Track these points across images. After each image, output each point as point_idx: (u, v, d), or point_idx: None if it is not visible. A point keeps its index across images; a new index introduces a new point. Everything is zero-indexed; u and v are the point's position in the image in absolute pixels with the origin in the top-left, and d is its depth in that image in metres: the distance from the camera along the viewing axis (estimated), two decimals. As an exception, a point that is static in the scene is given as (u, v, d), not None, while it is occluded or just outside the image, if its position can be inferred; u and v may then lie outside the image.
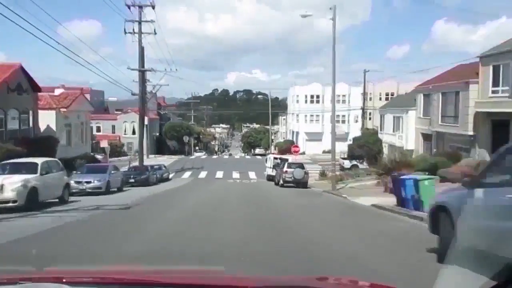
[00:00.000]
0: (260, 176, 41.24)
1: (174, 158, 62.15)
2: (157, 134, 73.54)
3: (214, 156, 72.26)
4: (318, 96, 68.81)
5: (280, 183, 30.65)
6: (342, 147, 70.85)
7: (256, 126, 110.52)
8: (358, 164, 44.12)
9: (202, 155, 75.56)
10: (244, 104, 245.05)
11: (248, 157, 70.82)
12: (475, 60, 28.12)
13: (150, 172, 34.01)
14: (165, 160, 58.15)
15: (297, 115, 70.42)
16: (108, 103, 75.29)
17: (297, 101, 70.15)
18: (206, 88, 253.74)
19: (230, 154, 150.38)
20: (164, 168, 39.98)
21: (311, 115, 68.96)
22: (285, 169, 30.32)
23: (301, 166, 31.10)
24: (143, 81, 39.08)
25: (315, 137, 67.67)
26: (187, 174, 43.89)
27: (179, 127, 69.37)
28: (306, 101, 69.01)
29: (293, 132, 74.37)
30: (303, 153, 63.48)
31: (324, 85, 69.31)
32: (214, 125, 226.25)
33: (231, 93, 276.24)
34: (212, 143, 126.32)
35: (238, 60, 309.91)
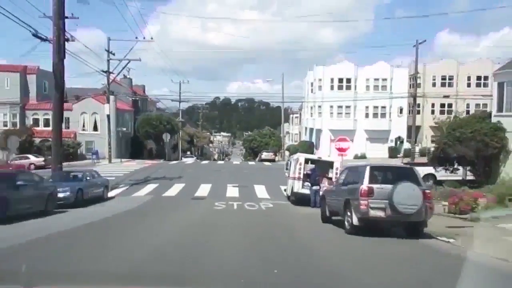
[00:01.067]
0: (275, 194, 22.16)
1: (149, 163, 42.65)
2: (132, 131, 54.00)
3: (204, 162, 52.27)
4: (349, 81, 49.26)
5: (352, 222, 10.91)
6: (380, 150, 51.79)
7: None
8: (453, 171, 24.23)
9: (190, 160, 56.39)
10: (246, 113, 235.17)
11: (252, 163, 50.89)
12: None
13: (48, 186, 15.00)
14: (134, 165, 38.90)
15: (319, 106, 50.74)
16: (69, 90, 55.63)
17: (320, 88, 50.51)
18: (208, 97, 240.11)
19: (229, 159, 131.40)
20: (96, 177, 20.67)
21: (339, 107, 49.33)
22: (365, 184, 10.60)
23: (407, 174, 11.28)
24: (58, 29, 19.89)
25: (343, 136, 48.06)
26: (148, 188, 24.46)
27: (157, 121, 49.63)
28: (332, 87, 49.42)
29: (311, 130, 54.70)
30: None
31: (358, 65, 49.89)
32: (215, 133, 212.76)
33: (233, 101, 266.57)
34: (207, 146, 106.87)
35: (241, 70, 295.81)
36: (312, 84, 53.49)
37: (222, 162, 51.90)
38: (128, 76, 54.47)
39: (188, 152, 79.48)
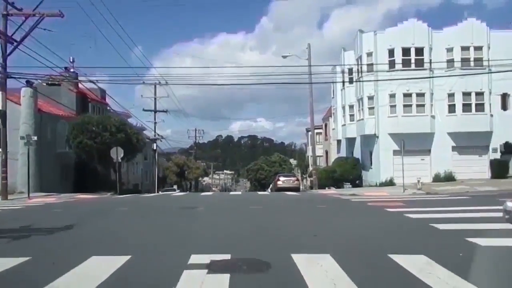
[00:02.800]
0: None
1: (80, 198, 22.01)
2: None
3: (177, 193, 30.44)
4: (420, 52, 28.77)
5: None
6: (476, 166, 26.73)
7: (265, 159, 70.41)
8: None
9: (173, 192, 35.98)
10: (248, 150, 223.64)
11: (264, 192, 29.47)
12: None
13: None
14: (48, 201, 18.45)
15: (369, 97, 30.25)
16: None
17: (370, 68, 29.89)
18: (210, 136, 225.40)
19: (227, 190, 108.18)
20: None
21: (406, 95, 28.74)
22: None
23: None
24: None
25: (414, 144, 27.40)
26: None
27: (100, 126, 28.10)
28: (392, 65, 28.78)
29: (352, 142, 34.06)
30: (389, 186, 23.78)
31: (433, 27, 29.80)
32: (217, 171, 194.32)
33: (235, 139, 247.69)
34: (205, 181, 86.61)
35: (243, 109, 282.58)
36: (351, 70, 33.28)
37: (210, 193, 30.50)
38: (72, 69, 34.61)
39: (175, 186, 58.71)
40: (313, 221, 10.56)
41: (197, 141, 70.64)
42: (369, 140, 30.71)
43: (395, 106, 28.84)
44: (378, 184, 28.72)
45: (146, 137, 43.32)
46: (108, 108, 41.10)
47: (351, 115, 34.22)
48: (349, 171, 31.13)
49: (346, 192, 23.55)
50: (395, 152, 28.51)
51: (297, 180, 31.51)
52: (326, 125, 46.20)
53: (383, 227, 9.19)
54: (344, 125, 35.34)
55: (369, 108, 30.08)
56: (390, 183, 27.72)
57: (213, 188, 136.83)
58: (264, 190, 72.68)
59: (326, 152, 45.47)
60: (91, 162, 30.02)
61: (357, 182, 31.82)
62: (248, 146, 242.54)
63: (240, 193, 24.55)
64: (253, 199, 18.88)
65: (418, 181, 23.04)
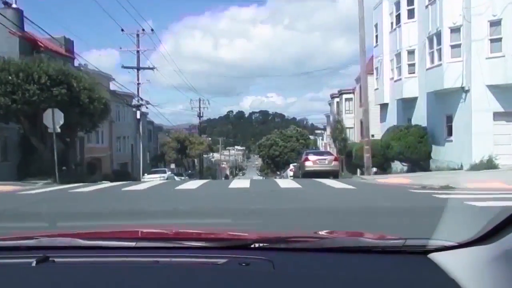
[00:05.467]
0: None
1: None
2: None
3: (139, 186, 14.21)
4: None
5: None
6: None
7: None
8: None
9: (152, 179, 25.30)
10: (260, 126, 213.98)
11: (287, 183, 17.38)
12: None
13: None
14: None
15: (459, 26, 18.32)
16: None
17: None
18: (221, 112, 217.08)
19: (243, 174, 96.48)
20: None
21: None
22: None
23: None
24: None
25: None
26: None
27: (18, 74, 16.27)
28: None
29: (412, 103, 22.40)
30: None
31: None
32: (228, 147, 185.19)
33: (246, 114, 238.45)
34: (211, 157, 75.42)
35: (254, 84, 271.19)
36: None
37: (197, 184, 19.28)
38: (14, 5, 23.37)
39: (172, 165, 47.93)
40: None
41: (201, 113, 59.23)
42: (447, 98, 19.07)
43: (500, 40, 17.11)
44: (461, 166, 17.42)
45: (126, 102, 32.30)
46: (79, 65, 29.80)
47: (411, 65, 22.61)
48: (413, 147, 19.74)
49: (431, 183, 12.42)
50: (497, 116, 17.05)
51: (335, 159, 20.05)
52: (360, 88, 34.35)
53: None
54: (399, 80, 23.71)
55: (453, 47, 18.31)
56: (488, 164, 16.32)
57: (223, 164, 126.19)
58: (280, 172, 61.34)
59: (361, 122, 33.79)
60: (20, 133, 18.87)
61: (420, 163, 20.47)
62: (259, 122, 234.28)
63: (247, 185, 13.17)
64: (277, 208, 7.82)
65: None
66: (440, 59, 18.79)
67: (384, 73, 26.53)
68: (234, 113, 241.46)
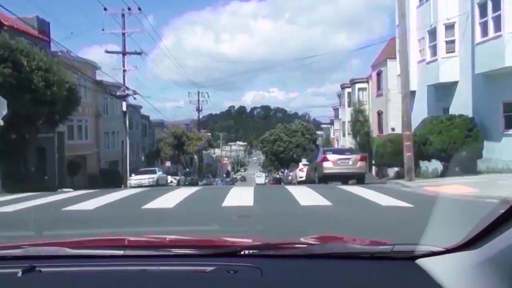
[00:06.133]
0: None
1: None
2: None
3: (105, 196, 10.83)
4: None
5: None
6: None
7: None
8: None
9: (139, 180, 21.22)
10: (262, 121, 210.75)
11: (300, 188, 12.81)
12: None
13: None
14: None
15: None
16: None
17: None
18: (223, 107, 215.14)
19: (245, 170, 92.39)
20: None
21: None
22: None
23: None
24: None
25: None
26: None
27: None
28: None
29: (443, 91, 17.97)
30: None
31: None
32: (230, 143, 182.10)
33: (248, 110, 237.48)
34: (208, 152, 70.82)
35: (256, 79, 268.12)
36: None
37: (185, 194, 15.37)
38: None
39: (168, 163, 43.76)
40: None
41: (200, 107, 54.95)
42: (506, 80, 14.72)
43: None
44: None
45: (111, 92, 28.08)
46: (61, 52, 25.42)
47: (450, 42, 18.26)
48: (460, 142, 15.44)
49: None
50: None
51: (362, 159, 15.66)
52: (379, 74, 29.94)
53: None
54: (433, 61, 19.37)
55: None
56: None
57: (224, 161, 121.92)
58: (284, 171, 56.82)
59: (378, 114, 29.45)
60: None
61: (464, 162, 16.12)
62: (261, 117, 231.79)
63: (249, 199, 8.78)
64: None
65: None
66: (498, 29, 14.40)
67: (411, 55, 22.16)
68: (236, 108, 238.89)
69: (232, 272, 1.20)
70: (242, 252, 1.41)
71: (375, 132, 32.42)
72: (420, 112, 21.72)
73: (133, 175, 26.01)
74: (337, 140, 48.61)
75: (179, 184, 31.60)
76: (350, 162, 15.02)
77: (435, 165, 18.77)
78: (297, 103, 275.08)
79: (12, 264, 1.30)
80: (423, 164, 20.82)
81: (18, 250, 1.49)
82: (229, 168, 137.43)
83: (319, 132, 58.02)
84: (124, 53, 27.10)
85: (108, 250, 1.51)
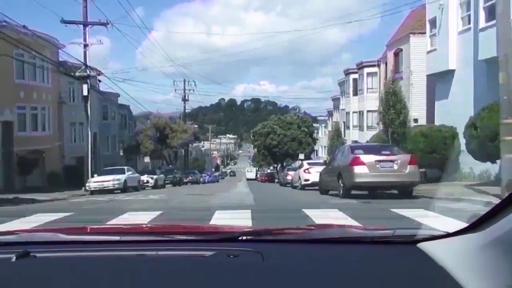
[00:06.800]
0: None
1: None
2: None
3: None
4: None
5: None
6: None
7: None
8: None
9: (100, 184, 15.98)
10: (252, 114, 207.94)
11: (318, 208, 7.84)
12: None
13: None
14: None
15: None
16: None
17: None
18: (213, 99, 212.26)
19: (234, 163, 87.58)
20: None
21: None
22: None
23: None
24: None
25: None
26: None
27: None
28: None
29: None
30: None
31: None
32: (220, 135, 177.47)
33: (238, 102, 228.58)
34: (197, 145, 65.15)
35: (246, 72, 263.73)
36: None
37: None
38: None
39: (146, 159, 38.35)
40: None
41: (186, 97, 49.36)
42: None
43: None
44: None
45: (69, 72, 22.66)
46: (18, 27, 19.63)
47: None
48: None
49: None
50: None
51: (412, 162, 10.21)
52: (397, 54, 24.56)
53: None
54: (487, 27, 14.20)
55: None
56: None
57: (213, 154, 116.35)
58: (277, 164, 51.59)
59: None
60: None
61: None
62: (252, 110, 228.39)
63: (247, 216, 3.51)
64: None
65: None
66: None
67: (450, 24, 17.05)
68: (226, 101, 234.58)
69: (232, 256, 1.17)
70: (242, 238, 1.38)
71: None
72: (461, 98, 16.67)
73: (95, 176, 20.53)
74: (337, 135, 43.52)
75: (156, 185, 26.22)
76: (395, 166, 9.79)
77: (485, 165, 13.82)
78: (287, 96, 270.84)
79: (5, 250, 1.26)
80: (466, 165, 15.92)
81: (11, 236, 1.47)
82: (219, 161, 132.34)
83: (315, 125, 52.86)
84: (85, 24, 21.50)
85: (104, 236, 1.48)
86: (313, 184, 16.48)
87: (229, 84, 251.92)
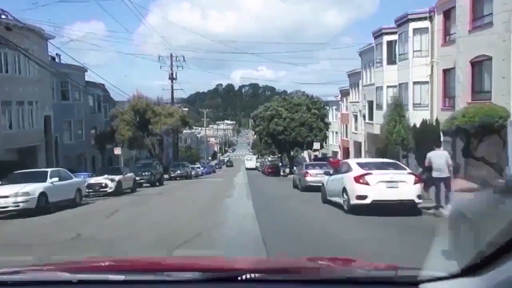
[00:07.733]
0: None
1: None
2: None
3: None
4: None
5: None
6: None
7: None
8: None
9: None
10: (250, 99, 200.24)
11: None
12: None
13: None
14: None
15: None
16: None
17: None
18: (211, 85, 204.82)
19: (233, 150, 79.53)
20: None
21: None
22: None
23: None
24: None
25: None
26: None
27: None
28: None
29: None
30: None
31: None
32: (218, 121, 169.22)
33: (236, 88, 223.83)
34: (192, 131, 56.45)
35: (244, 57, 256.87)
36: None
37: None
38: None
39: (118, 151, 30.02)
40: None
41: (174, 73, 40.53)
42: None
43: None
44: None
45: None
46: None
47: None
48: None
49: None
50: None
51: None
52: (447, 14, 15.99)
53: None
54: None
55: None
56: None
57: (210, 141, 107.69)
58: (281, 152, 42.68)
59: (444, 73, 15.78)
60: None
61: None
62: (250, 95, 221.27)
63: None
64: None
65: None
66: None
67: None
68: (224, 86, 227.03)
69: None
70: (243, 277, 1.35)
71: (437, 103, 19.56)
72: None
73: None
74: (356, 117, 35.17)
75: (119, 190, 17.93)
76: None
77: None
78: (285, 81, 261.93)
79: None
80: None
81: (17, 276, 1.47)
82: (216, 148, 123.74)
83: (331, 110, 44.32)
84: None
85: (109, 275, 1.48)
86: (374, 205, 8.40)
87: (227, 70, 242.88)
